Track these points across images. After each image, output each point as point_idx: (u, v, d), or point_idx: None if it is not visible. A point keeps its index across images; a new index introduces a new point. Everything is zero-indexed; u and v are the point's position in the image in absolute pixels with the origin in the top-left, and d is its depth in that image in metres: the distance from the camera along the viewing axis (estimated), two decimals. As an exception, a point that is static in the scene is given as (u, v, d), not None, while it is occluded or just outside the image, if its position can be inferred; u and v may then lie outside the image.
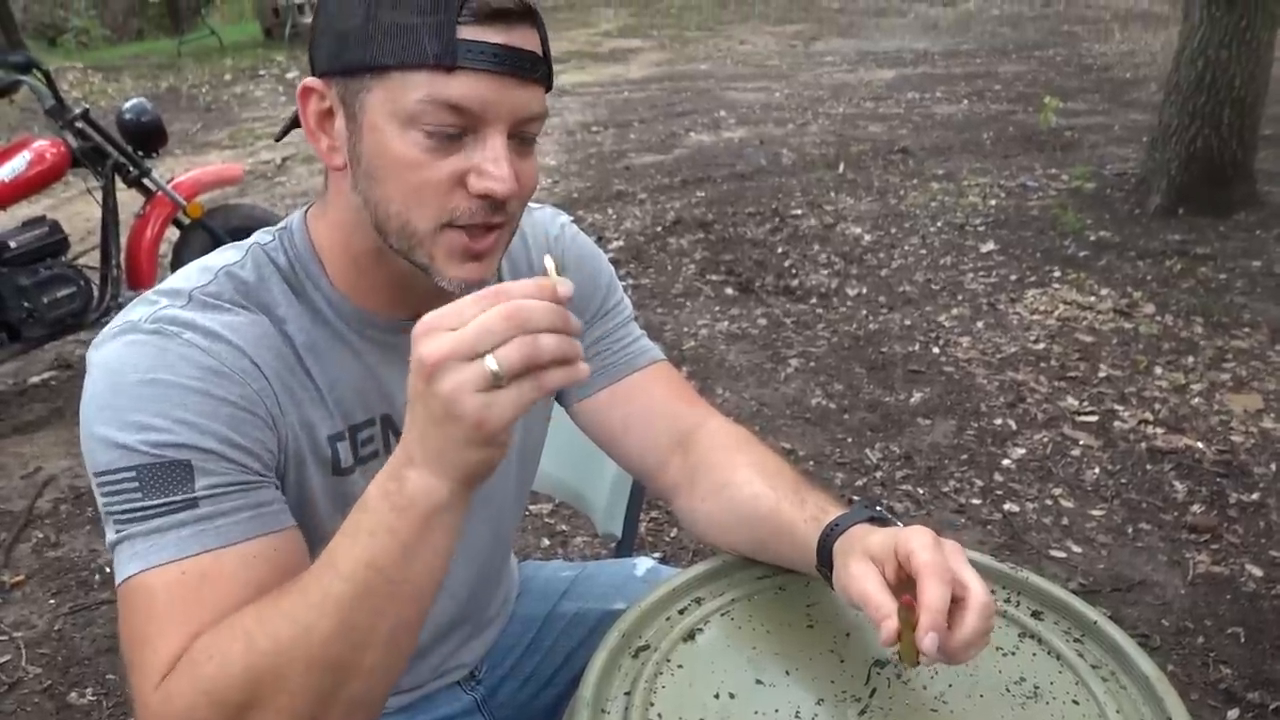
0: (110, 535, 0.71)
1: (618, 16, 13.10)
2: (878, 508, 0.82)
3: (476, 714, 1.08)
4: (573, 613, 1.12)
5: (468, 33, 0.69)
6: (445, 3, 0.69)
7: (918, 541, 0.70)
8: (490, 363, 0.58)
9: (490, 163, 0.72)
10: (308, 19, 10.53)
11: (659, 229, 4.58)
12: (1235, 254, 3.87)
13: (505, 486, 0.99)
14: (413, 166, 0.72)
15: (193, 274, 0.79)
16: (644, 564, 1.17)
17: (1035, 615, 0.84)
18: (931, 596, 0.67)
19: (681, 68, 9.02)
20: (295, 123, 0.82)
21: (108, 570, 2.32)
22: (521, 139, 0.76)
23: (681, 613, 0.87)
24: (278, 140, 0.87)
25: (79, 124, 3.16)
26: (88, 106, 3.25)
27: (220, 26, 12.82)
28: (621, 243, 4.43)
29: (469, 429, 0.60)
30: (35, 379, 3.44)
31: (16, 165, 3.06)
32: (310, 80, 0.77)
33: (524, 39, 0.72)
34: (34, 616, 2.23)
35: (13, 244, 3.08)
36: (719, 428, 0.98)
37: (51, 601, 2.27)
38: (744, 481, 0.90)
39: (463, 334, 0.59)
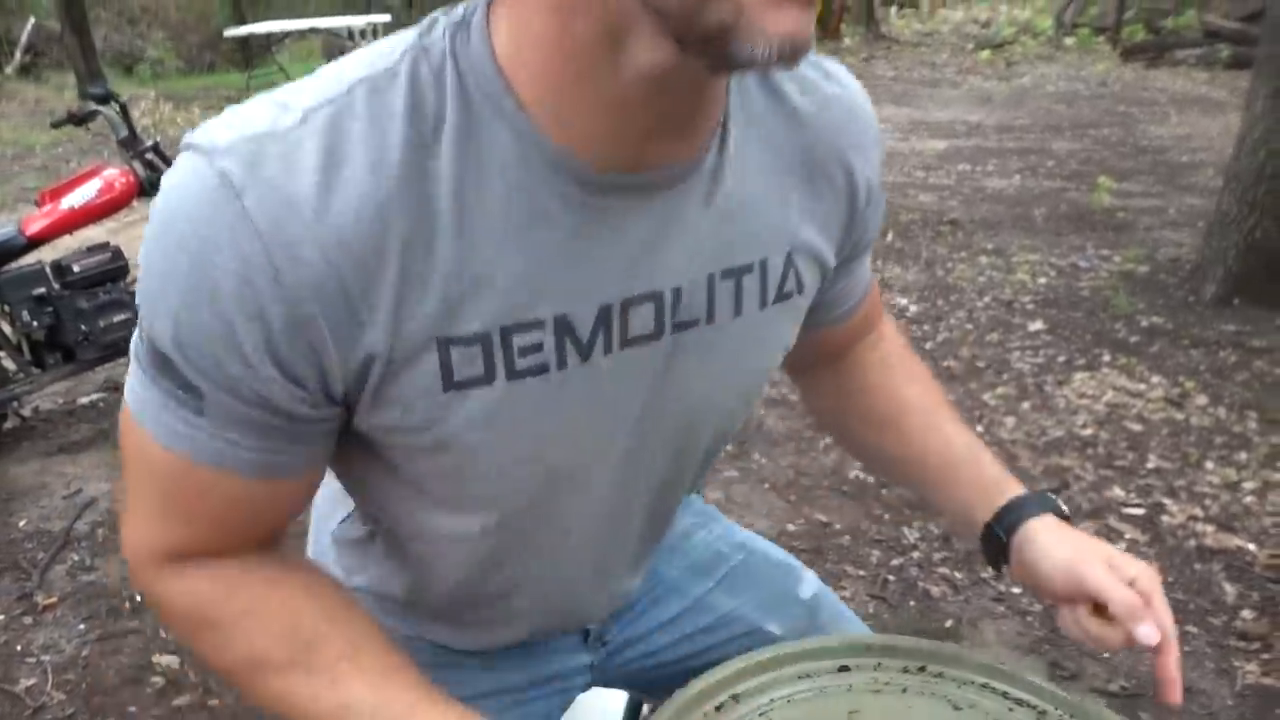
0: (130, 357, 0.61)
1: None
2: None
3: (585, 675, 0.96)
4: (724, 610, 1.00)
5: None
6: None
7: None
8: None
9: None
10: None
11: (704, 287, 4.59)
12: (1292, 349, 3.78)
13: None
14: None
15: (326, 80, 0.57)
16: (810, 584, 1.03)
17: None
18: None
19: (734, 127, 9.11)
20: None
21: (139, 599, 2.33)
22: None
23: (719, 709, 0.84)
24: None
25: (149, 155, 3.26)
26: (158, 139, 3.36)
27: (289, 64, 13.23)
28: (666, 299, 4.44)
29: None
30: (84, 400, 3.51)
31: (87, 192, 3.16)
32: None
33: None
34: (63, 641, 2.24)
35: (76, 268, 3.17)
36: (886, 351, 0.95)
37: (81, 626, 2.28)
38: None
39: None
